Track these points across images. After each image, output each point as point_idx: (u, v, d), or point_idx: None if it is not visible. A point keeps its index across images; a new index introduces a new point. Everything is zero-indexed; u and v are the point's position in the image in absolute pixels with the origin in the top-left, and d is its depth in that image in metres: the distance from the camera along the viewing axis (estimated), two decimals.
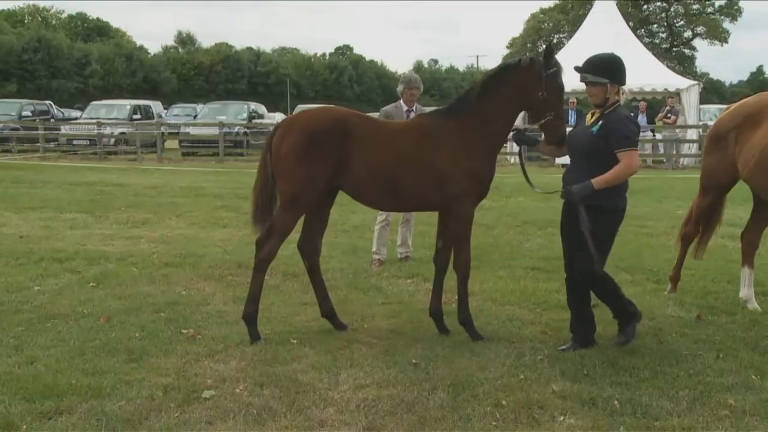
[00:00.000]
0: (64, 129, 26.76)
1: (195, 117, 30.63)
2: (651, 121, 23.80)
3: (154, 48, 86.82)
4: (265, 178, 5.40)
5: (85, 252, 8.66)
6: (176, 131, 27.92)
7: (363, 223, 10.59)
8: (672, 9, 57.41)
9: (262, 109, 29.95)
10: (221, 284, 7.23)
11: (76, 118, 30.83)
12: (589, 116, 5.17)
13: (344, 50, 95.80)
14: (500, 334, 5.66)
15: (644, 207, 13.02)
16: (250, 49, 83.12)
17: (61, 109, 33.89)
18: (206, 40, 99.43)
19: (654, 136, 24.17)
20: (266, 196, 5.43)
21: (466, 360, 5.07)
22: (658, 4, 57.43)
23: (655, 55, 28.37)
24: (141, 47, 79.14)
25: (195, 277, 7.51)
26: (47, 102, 32.49)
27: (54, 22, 77.82)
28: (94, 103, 30.46)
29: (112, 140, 25.87)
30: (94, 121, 26.42)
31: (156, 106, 32.62)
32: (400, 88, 8.29)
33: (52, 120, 29.24)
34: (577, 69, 5.12)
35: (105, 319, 5.91)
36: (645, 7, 56.90)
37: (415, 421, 4.11)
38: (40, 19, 76.41)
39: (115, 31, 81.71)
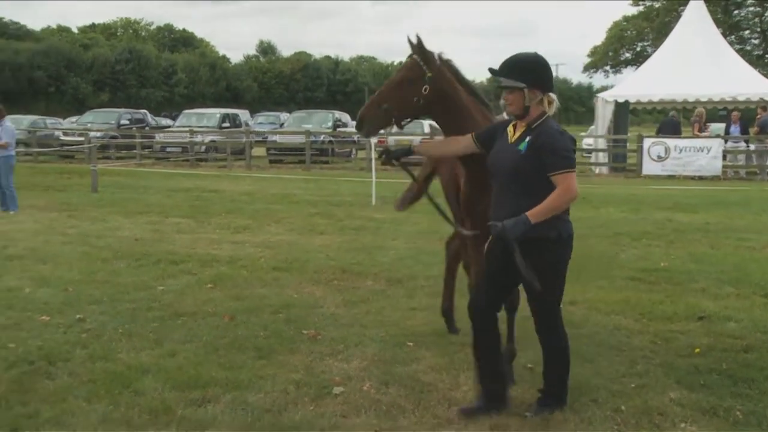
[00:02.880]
0: (159, 137, 27.89)
1: (281, 125, 31.37)
2: (745, 131, 23.23)
3: (236, 57, 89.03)
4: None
5: (197, 255, 9.13)
6: (263, 139, 28.70)
7: None
8: (767, 14, 55.49)
9: (346, 117, 30.48)
10: (329, 288, 7.54)
11: (166, 126, 32.06)
12: (510, 129, 4.25)
13: None
14: (609, 343, 5.78)
15: (741, 219, 12.83)
16: (328, 57, 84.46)
17: (155, 118, 35.26)
18: (286, 49, 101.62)
19: (748, 146, 23.57)
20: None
21: (579, 366, 5.20)
22: (751, 9, 55.57)
23: (747, 62, 27.59)
24: (223, 56, 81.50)
25: (303, 281, 7.85)
26: (143, 111, 33.89)
27: (144, 33, 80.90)
28: (186, 111, 31.58)
29: (203, 147, 26.79)
30: (187, 129, 27.45)
31: (243, 115, 33.58)
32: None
33: (147, 128, 30.51)
34: (491, 71, 4.31)
35: (229, 318, 6.28)
36: (736, 12, 55.19)
37: (537, 422, 4.29)
38: (131, 31, 79.56)
39: (199, 41, 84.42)
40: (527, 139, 4.09)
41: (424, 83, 4.54)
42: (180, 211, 13.25)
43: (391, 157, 4.69)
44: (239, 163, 25.98)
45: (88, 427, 4.07)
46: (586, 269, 8.62)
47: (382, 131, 5.07)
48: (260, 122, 36.82)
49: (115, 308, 6.58)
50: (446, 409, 4.45)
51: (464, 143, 4.47)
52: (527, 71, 4.10)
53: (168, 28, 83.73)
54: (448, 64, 4.73)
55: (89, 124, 29.17)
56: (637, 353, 5.53)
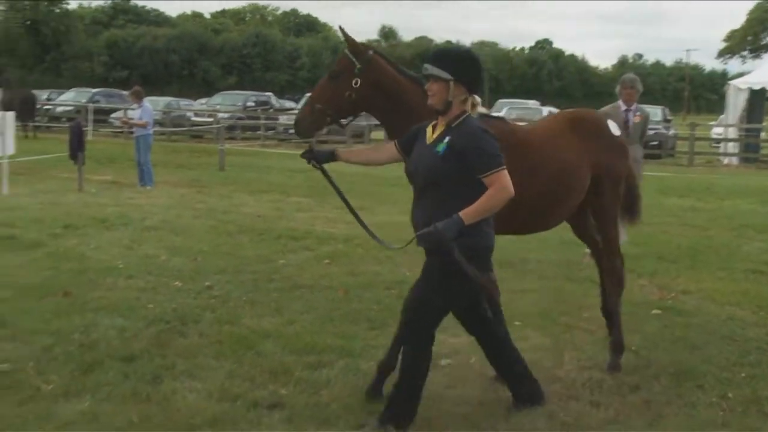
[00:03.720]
0: (282, 119, 28.88)
1: None
2: None
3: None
4: None
5: (315, 232, 9.57)
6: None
7: None
8: None
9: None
10: None
11: (290, 109, 33.09)
12: (429, 129, 3.89)
13: (544, 44, 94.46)
14: (722, 332, 5.72)
15: None
16: (449, 42, 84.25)
17: (279, 100, 36.46)
18: (407, 34, 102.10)
19: None
20: None
21: (688, 352, 5.22)
22: None
23: None
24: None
25: (416, 260, 8.07)
26: (268, 94, 35.13)
27: (270, 18, 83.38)
28: (309, 94, 32.42)
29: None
30: None
31: None
32: (617, 88, 8.46)
33: (271, 110, 31.62)
34: (424, 59, 3.99)
35: (344, 291, 6.62)
36: None
37: (639, 403, 4.36)
38: (258, 16, 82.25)
39: (322, 25, 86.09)
40: (446, 139, 3.73)
41: (354, 76, 4.29)
42: (300, 191, 13.81)
43: (311, 158, 4.33)
44: (358, 145, 26.53)
45: (216, 380, 4.46)
46: (703, 259, 8.49)
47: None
48: None
49: (239, 278, 7.05)
50: (549, 384, 4.57)
51: (388, 152, 4.15)
52: (456, 64, 3.75)
53: (293, 13, 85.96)
54: (382, 55, 4.45)
55: (218, 106, 30.59)
56: (751, 344, 5.46)
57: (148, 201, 11.93)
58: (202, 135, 28.61)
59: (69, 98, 32.67)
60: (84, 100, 30.54)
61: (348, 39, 4.34)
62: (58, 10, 65.51)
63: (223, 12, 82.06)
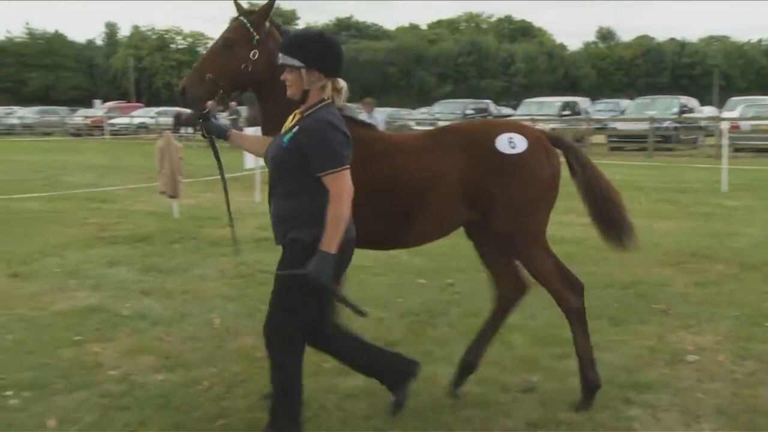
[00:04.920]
0: None
1: (622, 112, 30.91)
2: None
3: (573, 45, 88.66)
4: None
5: (548, 235, 9.76)
6: (602, 126, 28.57)
7: None
8: None
9: (693, 102, 29.10)
10: (678, 270, 7.68)
11: (507, 116, 33.34)
12: (290, 119, 3.64)
13: None
14: None
15: None
16: (673, 40, 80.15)
17: (497, 107, 36.89)
18: (626, 34, 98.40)
19: None
20: None
21: None
22: None
23: None
24: (561, 45, 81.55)
25: (651, 261, 8.06)
26: (486, 101, 35.70)
27: (485, 26, 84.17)
28: (526, 100, 32.62)
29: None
30: (527, 117, 28.36)
31: (583, 102, 33.66)
32: None
33: (489, 117, 32.07)
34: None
35: None
36: None
37: None
38: (473, 25, 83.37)
39: (537, 30, 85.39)
40: (294, 129, 3.49)
41: (253, 47, 4.01)
42: None
43: (204, 126, 4.03)
44: None
45: None
46: None
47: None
48: (599, 110, 36.52)
49: (478, 276, 7.42)
50: None
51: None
52: (305, 50, 3.48)
53: (507, 20, 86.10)
54: (279, 28, 4.16)
55: (438, 114, 31.57)
56: None
57: None
58: None
59: None
60: None
61: (237, 6, 4.13)
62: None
63: (439, 22, 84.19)
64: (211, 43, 4.10)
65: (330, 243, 3.33)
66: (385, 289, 7.01)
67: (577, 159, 4.39)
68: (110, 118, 41.11)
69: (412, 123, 31.72)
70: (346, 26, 78.83)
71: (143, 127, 38.79)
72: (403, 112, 34.69)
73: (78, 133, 40.09)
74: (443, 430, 4.06)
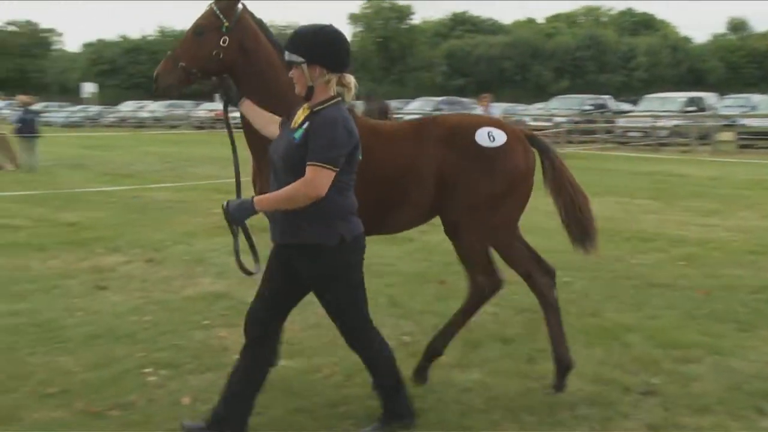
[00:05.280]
0: (620, 121, 28.43)
1: (753, 108, 29.37)
2: None
3: (700, 37, 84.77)
4: None
5: (666, 235, 9.49)
6: (730, 123, 27.24)
7: None
8: None
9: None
10: None
11: (627, 111, 32.37)
12: (299, 113, 3.58)
13: None
14: None
15: None
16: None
17: (616, 102, 35.83)
18: (762, 25, 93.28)
19: None
20: None
21: None
22: None
23: None
24: (685, 37, 78.18)
25: None
26: (605, 96, 34.73)
27: (604, 19, 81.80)
28: (648, 96, 31.54)
29: (664, 132, 26.51)
30: (648, 113, 27.46)
31: (709, 98, 32.19)
32: None
33: (609, 113, 31.26)
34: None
35: (704, 292, 6.58)
36: None
37: None
38: (592, 18, 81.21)
39: (660, 23, 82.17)
40: (305, 126, 3.45)
41: (222, 34, 4.03)
42: (644, 193, 13.65)
43: (222, 92, 4.15)
44: (703, 147, 25.14)
45: (588, 366, 4.85)
46: None
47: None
48: (728, 105, 34.82)
49: (596, 275, 7.33)
50: None
51: (275, 129, 3.83)
52: (305, 45, 3.44)
53: (629, 12, 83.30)
54: (251, 14, 4.18)
55: (554, 110, 31.00)
56: None
57: None
58: None
59: (416, 107, 35.39)
60: (429, 109, 32.90)
61: None
62: (405, 27, 71.34)
63: (557, 16, 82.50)
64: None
65: (263, 202, 3.45)
66: None
67: (551, 161, 4.49)
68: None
69: (527, 119, 31.29)
70: (462, 21, 78.48)
71: None
72: (519, 108, 34.23)
73: (201, 125, 41.80)
74: (560, 428, 4.04)
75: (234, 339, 5.42)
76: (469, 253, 4.48)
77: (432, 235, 9.42)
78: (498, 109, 17.46)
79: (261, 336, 3.71)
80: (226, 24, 4.04)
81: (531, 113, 32.23)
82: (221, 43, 4.03)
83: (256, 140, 4.11)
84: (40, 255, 8.16)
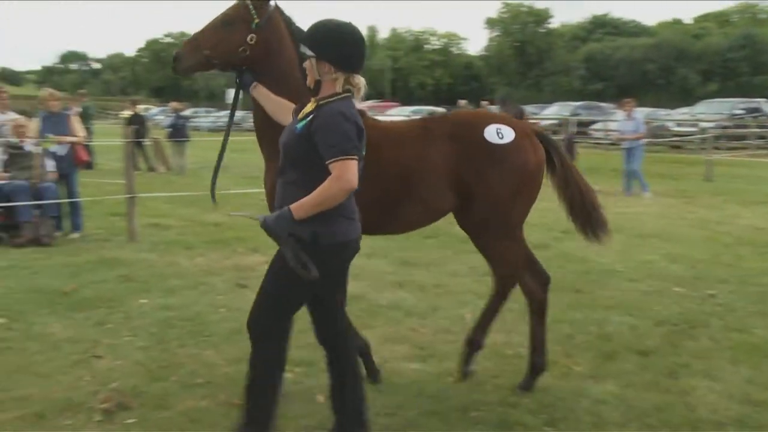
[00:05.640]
0: None
1: None
2: None
3: None
4: None
5: None
6: None
7: None
8: None
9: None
10: None
11: None
12: (308, 105, 3.49)
13: None
14: None
15: None
16: None
17: None
18: None
19: None
20: None
21: None
22: None
23: None
24: None
25: None
26: (760, 100, 32.66)
27: (763, 16, 76.90)
28: None
29: None
30: None
31: None
32: None
33: (762, 117, 29.40)
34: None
35: None
36: None
37: None
38: (747, 16, 76.62)
39: None
40: (309, 118, 3.38)
41: (251, 31, 3.93)
42: None
43: (238, 77, 4.10)
44: None
45: (735, 384, 4.60)
46: None
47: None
48: None
49: (744, 289, 6.94)
50: None
51: (287, 117, 3.78)
52: (316, 40, 3.39)
53: None
54: (284, 15, 4.05)
55: (700, 114, 29.51)
56: None
57: (636, 209, 12.27)
58: (680, 145, 27.91)
59: (553, 112, 34.73)
60: (566, 113, 32.19)
61: None
62: (542, 30, 70.13)
63: (706, 16, 78.49)
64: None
65: (300, 209, 3.28)
66: (638, 295, 6.78)
67: (559, 157, 4.48)
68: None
69: (670, 124, 29.98)
70: (602, 24, 76.14)
71: None
72: (662, 113, 32.76)
73: None
74: None
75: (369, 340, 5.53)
76: (505, 254, 4.43)
77: (567, 242, 9.25)
78: (641, 114, 16.83)
79: (266, 333, 3.59)
80: (257, 20, 3.98)
81: (674, 118, 30.82)
82: (248, 40, 3.98)
83: (267, 139, 4.13)
84: (188, 253, 8.63)
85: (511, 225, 4.36)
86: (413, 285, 7.18)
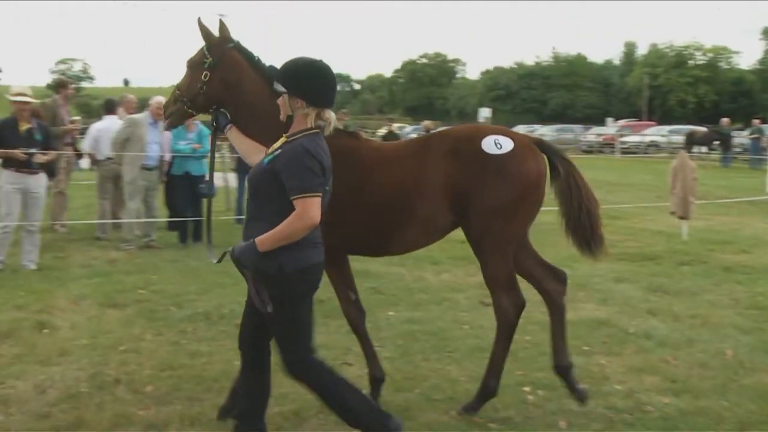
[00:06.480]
0: None
1: None
2: None
3: None
4: None
5: None
6: None
7: None
8: None
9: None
10: None
11: None
12: (278, 143, 3.61)
13: None
14: None
15: None
16: None
17: None
18: None
19: None
20: None
21: None
22: None
23: None
24: None
25: None
26: None
27: None
28: None
29: None
30: None
31: None
32: None
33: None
34: None
35: None
36: None
37: None
38: None
39: None
40: (276, 153, 3.54)
41: (204, 69, 4.21)
42: None
43: (214, 116, 4.29)
44: None
45: None
46: None
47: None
48: None
49: None
50: None
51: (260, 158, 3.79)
52: (289, 76, 3.58)
53: None
54: (241, 50, 4.28)
55: None
56: None
57: None
58: None
59: None
60: None
61: (201, 29, 4.25)
62: None
63: None
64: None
65: (264, 242, 3.41)
66: None
67: (563, 164, 4.40)
68: (622, 136, 41.71)
69: None
70: None
71: (654, 146, 38.40)
72: None
73: (590, 150, 41.59)
74: None
75: (614, 368, 5.30)
76: (491, 269, 4.30)
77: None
78: None
79: (254, 357, 3.79)
80: (209, 60, 4.26)
81: None
82: (203, 77, 4.25)
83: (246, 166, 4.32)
84: (435, 268, 8.85)
85: (507, 239, 4.29)
86: (667, 313, 6.76)
